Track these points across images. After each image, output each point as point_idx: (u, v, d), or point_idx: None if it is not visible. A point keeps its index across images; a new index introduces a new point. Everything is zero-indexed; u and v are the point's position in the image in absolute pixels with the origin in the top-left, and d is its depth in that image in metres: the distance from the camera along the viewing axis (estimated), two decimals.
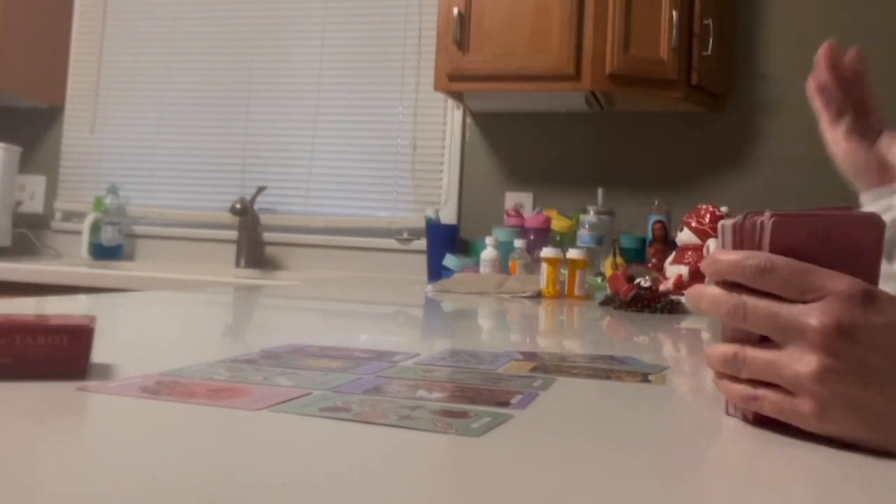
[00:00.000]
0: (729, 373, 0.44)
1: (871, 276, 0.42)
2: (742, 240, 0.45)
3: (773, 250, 0.43)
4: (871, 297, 0.40)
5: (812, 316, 0.40)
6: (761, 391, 0.42)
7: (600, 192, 2.14)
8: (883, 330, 0.39)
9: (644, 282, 1.42)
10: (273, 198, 2.55)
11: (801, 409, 0.40)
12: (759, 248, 0.44)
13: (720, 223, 0.47)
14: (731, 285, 0.44)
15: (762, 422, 0.44)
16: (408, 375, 0.57)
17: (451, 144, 2.46)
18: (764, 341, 0.43)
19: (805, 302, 0.41)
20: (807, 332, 0.40)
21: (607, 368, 0.66)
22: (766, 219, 0.43)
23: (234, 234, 2.52)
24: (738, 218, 0.45)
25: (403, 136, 2.50)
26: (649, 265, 1.87)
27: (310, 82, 2.58)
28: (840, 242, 0.43)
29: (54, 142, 2.77)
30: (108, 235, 2.56)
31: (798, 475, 0.38)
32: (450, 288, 1.71)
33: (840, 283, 0.40)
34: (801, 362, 0.40)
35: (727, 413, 0.47)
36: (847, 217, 0.44)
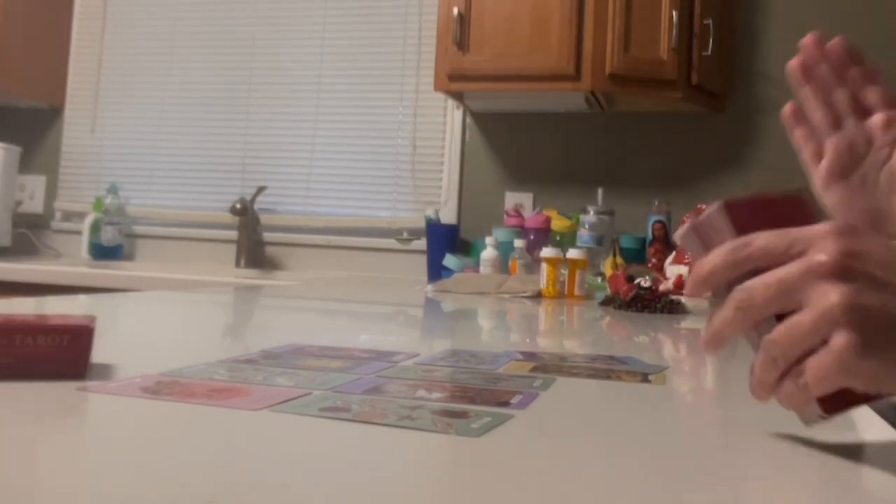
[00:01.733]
0: (774, 370, 0.41)
1: None
2: (706, 239, 0.44)
3: (737, 232, 0.42)
4: (854, 228, 0.40)
5: (815, 256, 0.39)
6: (803, 368, 0.39)
7: (600, 192, 2.14)
8: (882, 249, 0.39)
9: (644, 282, 1.42)
10: (273, 198, 2.55)
11: (840, 346, 0.37)
12: (722, 237, 0.43)
13: (676, 235, 0.46)
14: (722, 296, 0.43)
15: (836, 408, 0.40)
16: (408, 375, 0.57)
17: (451, 144, 2.46)
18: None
19: (795, 258, 0.40)
20: (817, 270, 0.39)
21: (607, 368, 0.66)
22: (716, 209, 0.44)
23: (234, 234, 2.52)
24: (689, 222, 0.45)
25: (403, 136, 2.50)
26: (649, 265, 1.87)
27: (310, 82, 2.58)
28: (782, 219, 0.43)
29: (54, 142, 2.77)
30: (108, 235, 2.56)
31: (801, 475, 0.38)
32: (450, 288, 1.71)
33: (820, 225, 0.40)
34: (822, 301, 0.38)
35: (807, 425, 0.42)
36: (779, 195, 0.44)
